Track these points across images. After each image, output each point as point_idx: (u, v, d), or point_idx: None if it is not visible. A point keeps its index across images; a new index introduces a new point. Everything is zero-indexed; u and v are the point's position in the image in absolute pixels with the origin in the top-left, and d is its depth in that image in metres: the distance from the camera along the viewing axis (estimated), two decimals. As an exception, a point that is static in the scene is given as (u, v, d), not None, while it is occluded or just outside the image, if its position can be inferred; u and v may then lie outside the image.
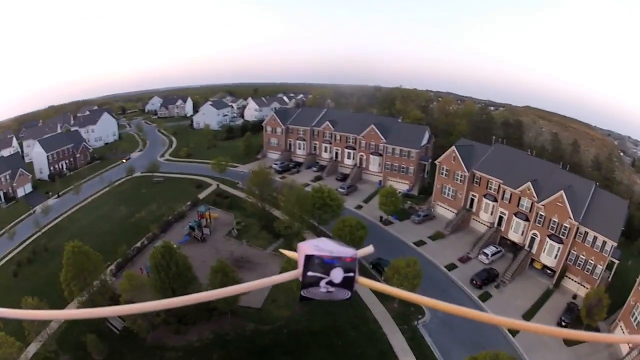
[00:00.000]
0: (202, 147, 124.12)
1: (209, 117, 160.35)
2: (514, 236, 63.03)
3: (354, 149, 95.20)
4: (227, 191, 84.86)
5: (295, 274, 2.05)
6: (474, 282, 55.29)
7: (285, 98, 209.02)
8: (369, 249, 2.41)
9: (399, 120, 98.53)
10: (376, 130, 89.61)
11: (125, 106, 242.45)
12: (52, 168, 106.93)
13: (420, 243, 65.60)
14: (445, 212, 74.99)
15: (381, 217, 71.89)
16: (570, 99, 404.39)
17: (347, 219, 55.48)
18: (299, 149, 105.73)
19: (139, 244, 63.00)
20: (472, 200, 71.56)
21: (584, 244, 53.62)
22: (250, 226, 68.36)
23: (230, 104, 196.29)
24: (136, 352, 43.33)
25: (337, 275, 2.01)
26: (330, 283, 2.01)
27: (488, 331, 45.95)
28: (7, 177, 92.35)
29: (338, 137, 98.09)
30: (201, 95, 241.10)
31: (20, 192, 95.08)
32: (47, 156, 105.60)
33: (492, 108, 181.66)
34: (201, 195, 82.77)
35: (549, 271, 58.00)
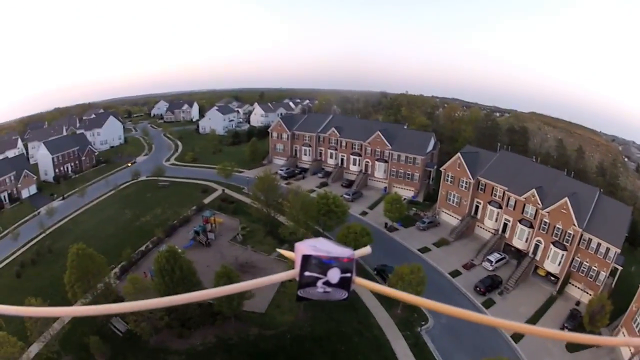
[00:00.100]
0: (207, 152, 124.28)
1: (215, 122, 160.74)
2: (518, 243, 62.79)
3: (359, 155, 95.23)
4: (232, 196, 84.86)
5: (293, 273, 2.05)
6: (478, 288, 55.08)
7: (291, 104, 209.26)
8: (366, 250, 2.41)
9: (405, 127, 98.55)
10: (382, 136, 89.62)
11: (131, 110, 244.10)
12: (57, 170, 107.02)
13: (424, 250, 65.45)
14: (450, 218, 74.83)
15: (386, 224, 71.76)
16: (576, 103, 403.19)
17: (352, 225, 55.30)
18: (305, 155, 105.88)
19: (143, 248, 63.08)
20: (477, 207, 71.42)
21: (588, 251, 53.42)
22: (255, 231, 68.34)
23: (236, 109, 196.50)
24: (139, 355, 43.30)
25: (334, 275, 2.01)
26: (327, 283, 2.01)
27: (491, 338, 45.81)
28: (12, 178, 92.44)
29: (344, 144, 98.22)
30: (207, 100, 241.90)
31: (24, 193, 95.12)
32: (53, 158, 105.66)
33: (497, 114, 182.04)
34: (206, 200, 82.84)
35: (552, 278, 57.80)
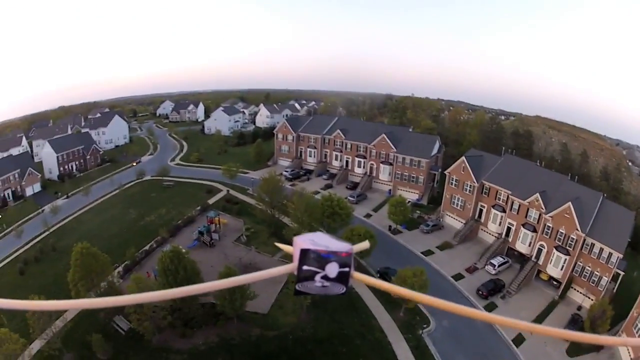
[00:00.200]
0: (212, 153, 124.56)
1: (220, 123, 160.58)
2: (521, 247, 62.64)
3: (364, 157, 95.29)
4: (237, 197, 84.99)
5: (291, 267, 2.05)
6: (480, 292, 54.96)
7: (297, 105, 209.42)
8: (364, 245, 2.41)
9: (410, 130, 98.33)
10: (387, 139, 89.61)
11: (136, 109, 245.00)
12: (61, 169, 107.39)
13: (428, 253, 65.31)
14: (454, 222, 74.70)
15: (390, 226, 71.66)
16: (581, 107, 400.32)
17: (356, 227, 55.15)
18: (310, 156, 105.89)
19: (147, 247, 63.22)
20: (481, 210, 71.27)
21: (590, 256, 53.25)
22: (259, 233, 68.33)
23: (241, 110, 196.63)
24: (141, 354, 43.38)
25: (332, 269, 2.01)
26: (325, 277, 2.01)
27: (492, 341, 45.75)
28: (16, 175, 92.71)
29: (349, 146, 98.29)
30: (213, 100, 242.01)
31: (29, 191, 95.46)
32: (57, 157, 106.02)
33: (502, 117, 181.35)
34: (211, 201, 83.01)
35: (555, 282, 57.56)
